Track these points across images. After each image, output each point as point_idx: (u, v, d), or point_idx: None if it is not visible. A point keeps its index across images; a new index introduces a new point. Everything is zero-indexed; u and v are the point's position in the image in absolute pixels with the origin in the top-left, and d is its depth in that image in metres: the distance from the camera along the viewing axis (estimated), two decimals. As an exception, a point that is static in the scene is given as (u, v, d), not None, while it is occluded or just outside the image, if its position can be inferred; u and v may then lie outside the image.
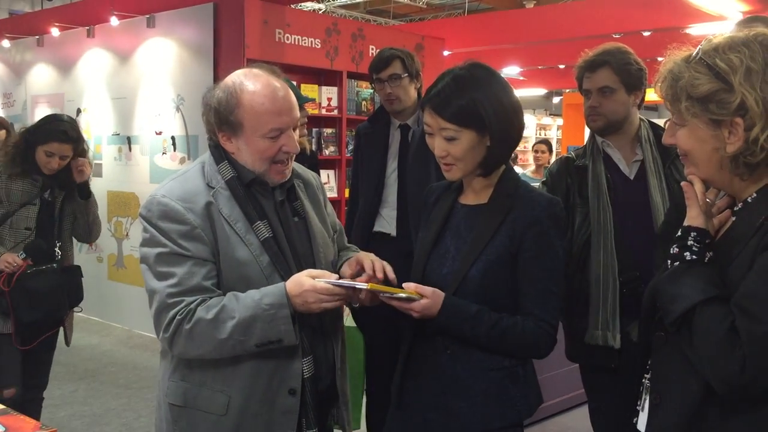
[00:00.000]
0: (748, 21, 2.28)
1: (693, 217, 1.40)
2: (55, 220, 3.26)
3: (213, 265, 1.74)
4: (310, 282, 1.65)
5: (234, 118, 1.75)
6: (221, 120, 1.77)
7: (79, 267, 3.45)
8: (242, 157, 1.80)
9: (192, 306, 1.68)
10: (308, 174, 2.03)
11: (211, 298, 1.71)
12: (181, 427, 1.81)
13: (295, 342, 1.70)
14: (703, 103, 1.32)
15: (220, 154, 1.82)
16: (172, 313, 1.69)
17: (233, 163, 1.81)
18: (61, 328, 3.36)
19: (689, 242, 1.36)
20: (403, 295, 1.68)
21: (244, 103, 1.74)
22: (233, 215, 1.76)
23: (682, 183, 1.44)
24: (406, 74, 3.15)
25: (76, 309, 3.42)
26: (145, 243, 1.76)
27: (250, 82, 1.76)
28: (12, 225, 3.18)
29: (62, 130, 3.18)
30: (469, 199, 1.90)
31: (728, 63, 1.30)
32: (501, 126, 1.76)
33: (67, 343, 3.42)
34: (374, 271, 1.81)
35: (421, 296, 1.70)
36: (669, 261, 1.39)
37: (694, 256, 1.35)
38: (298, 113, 1.81)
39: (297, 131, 1.84)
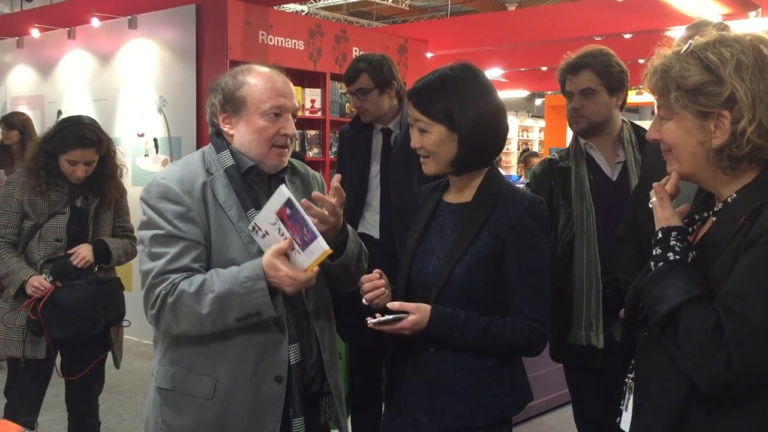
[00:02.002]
0: (698, 25, 2.31)
1: (668, 218, 1.41)
2: (89, 229, 3.02)
3: (204, 248, 1.80)
4: (285, 271, 1.68)
5: (239, 94, 1.84)
6: (226, 98, 1.86)
7: (118, 279, 3.15)
8: (241, 140, 1.86)
9: (176, 281, 1.74)
10: (309, 171, 2.07)
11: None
12: (169, 410, 1.85)
13: (274, 314, 1.73)
14: (692, 95, 1.34)
15: (221, 143, 1.89)
16: (158, 290, 1.75)
17: (233, 152, 1.87)
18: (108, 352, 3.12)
19: (672, 242, 1.37)
20: (390, 317, 1.72)
21: (249, 81, 1.85)
22: (228, 202, 1.83)
23: (654, 184, 1.46)
24: (374, 88, 3.12)
25: (124, 323, 3.14)
26: (143, 226, 1.83)
27: (256, 69, 1.89)
28: (41, 237, 2.95)
29: (80, 135, 2.93)
30: (453, 197, 1.92)
31: (719, 56, 1.32)
32: (470, 128, 1.78)
33: (117, 365, 3.21)
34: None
35: (408, 313, 1.72)
36: (652, 263, 1.40)
37: (677, 256, 1.36)
38: (297, 103, 1.90)
39: (294, 121, 1.90)
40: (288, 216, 1.69)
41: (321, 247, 1.65)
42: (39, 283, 2.90)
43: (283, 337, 1.80)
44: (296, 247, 1.70)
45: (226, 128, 1.88)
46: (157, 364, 1.90)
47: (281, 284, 1.70)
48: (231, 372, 1.79)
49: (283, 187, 1.72)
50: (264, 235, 1.76)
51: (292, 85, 1.91)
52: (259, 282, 1.69)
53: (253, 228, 1.78)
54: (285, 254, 1.70)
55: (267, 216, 1.74)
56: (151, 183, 1.84)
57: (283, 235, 1.71)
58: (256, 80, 1.85)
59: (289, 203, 1.68)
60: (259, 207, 1.84)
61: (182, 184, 1.81)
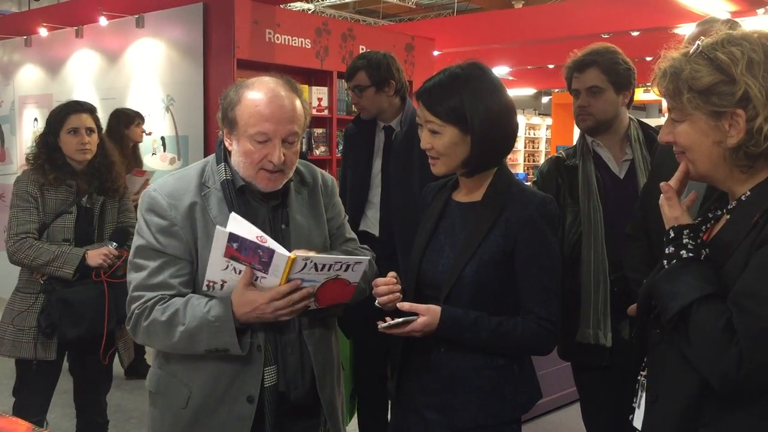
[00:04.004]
0: (709, 21, 2.31)
1: (678, 217, 1.42)
2: (95, 228, 3.05)
3: (186, 263, 1.80)
4: (260, 301, 1.67)
5: (232, 114, 1.80)
6: (224, 115, 1.83)
7: (124, 275, 3.17)
8: (234, 157, 1.84)
9: (149, 303, 1.76)
10: (318, 180, 2.02)
11: (171, 296, 1.76)
12: (155, 411, 1.90)
13: (241, 353, 1.73)
14: (705, 96, 1.34)
15: (222, 154, 1.87)
16: (133, 306, 1.78)
17: (230, 166, 1.86)
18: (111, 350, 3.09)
19: (684, 240, 1.38)
20: (400, 320, 1.72)
21: (243, 101, 1.79)
22: (220, 217, 1.81)
23: (662, 184, 1.46)
24: (370, 85, 3.13)
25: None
26: (135, 233, 1.86)
27: (257, 85, 1.81)
28: (49, 237, 2.94)
29: (73, 102, 3.10)
30: (462, 196, 1.91)
31: (729, 55, 1.32)
32: (483, 127, 1.77)
33: (123, 365, 3.22)
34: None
35: (418, 315, 1.72)
36: (665, 261, 1.40)
37: (690, 254, 1.36)
38: (294, 127, 1.80)
39: (295, 145, 1.84)
40: (236, 250, 1.66)
41: (283, 257, 1.62)
42: (108, 251, 2.93)
43: (259, 358, 1.80)
44: (259, 274, 1.67)
45: (227, 143, 1.86)
46: (151, 365, 1.95)
47: (263, 317, 1.70)
48: (205, 386, 1.81)
49: (218, 228, 1.67)
50: (222, 286, 1.73)
51: (296, 108, 1.81)
52: (227, 323, 1.69)
53: (208, 287, 1.74)
54: (252, 285, 1.69)
55: (216, 265, 1.71)
56: (145, 193, 1.85)
57: (239, 272, 1.69)
58: (250, 101, 1.78)
59: (232, 238, 1.64)
60: (255, 223, 1.81)
61: (171, 197, 1.81)
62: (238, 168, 1.83)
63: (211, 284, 1.74)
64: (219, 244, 1.67)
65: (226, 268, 1.70)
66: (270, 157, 1.77)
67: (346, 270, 1.70)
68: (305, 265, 1.65)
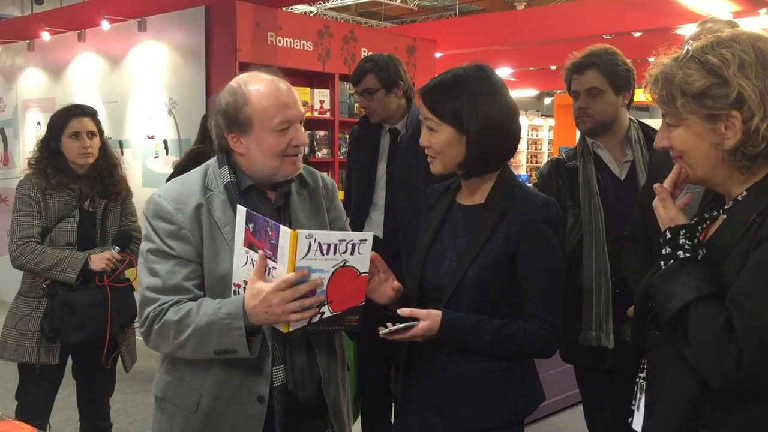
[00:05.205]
0: (708, 21, 2.31)
1: (673, 218, 1.42)
2: (97, 232, 3.05)
3: (197, 265, 1.80)
4: (267, 292, 1.61)
5: (243, 115, 1.79)
6: (230, 120, 1.81)
7: (128, 279, 3.09)
8: (253, 158, 1.83)
9: (165, 306, 1.75)
10: (319, 182, 2.02)
11: (187, 300, 1.75)
12: (162, 417, 1.89)
13: (249, 355, 1.70)
14: (699, 99, 1.34)
15: (223, 157, 1.87)
16: (147, 309, 1.76)
17: (234, 167, 1.86)
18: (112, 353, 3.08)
19: (681, 241, 1.37)
20: (401, 325, 1.71)
21: (251, 99, 1.79)
22: (224, 219, 1.81)
23: (655, 186, 1.46)
24: (380, 88, 3.13)
25: (136, 324, 3.09)
26: (143, 238, 1.86)
27: (254, 80, 1.82)
28: (52, 241, 2.94)
29: (74, 106, 3.10)
30: (465, 199, 1.91)
31: (720, 58, 1.32)
32: (480, 130, 1.77)
33: (126, 369, 3.22)
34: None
35: (418, 320, 1.72)
36: (662, 261, 1.40)
37: (687, 254, 1.36)
38: (302, 108, 1.86)
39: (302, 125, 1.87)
40: (252, 234, 1.66)
41: (286, 232, 1.59)
42: (111, 255, 2.94)
43: (267, 359, 1.79)
44: (270, 263, 1.65)
45: (237, 147, 1.84)
46: (157, 370, 1.94)
47: (272, 311, 1.62)
48: (215, 388, 1.80)
49: (239, 206, 1.70)
50: (246, 289, 1.72)
51: (293, 90, 1.86)
52: (237, 320, 1.66)
53: (235, 292, 1.75)
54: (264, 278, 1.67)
55: (238, 262, 1.71)
56: (150, 200, 1.85)
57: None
58: (259, 96, 1.79)
59: (249, 217, 1.66)
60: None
61: (176, 202, 1.81)
62: (263, 165, 1.82)
63: (237, 289, 1.75)
64: (240, 230, 1.69)
65: (246, 263, 1.70)
66: (295, 140, 1.81)
67: (352, 252, 1.66)
68: (309, 246, 1.61)
